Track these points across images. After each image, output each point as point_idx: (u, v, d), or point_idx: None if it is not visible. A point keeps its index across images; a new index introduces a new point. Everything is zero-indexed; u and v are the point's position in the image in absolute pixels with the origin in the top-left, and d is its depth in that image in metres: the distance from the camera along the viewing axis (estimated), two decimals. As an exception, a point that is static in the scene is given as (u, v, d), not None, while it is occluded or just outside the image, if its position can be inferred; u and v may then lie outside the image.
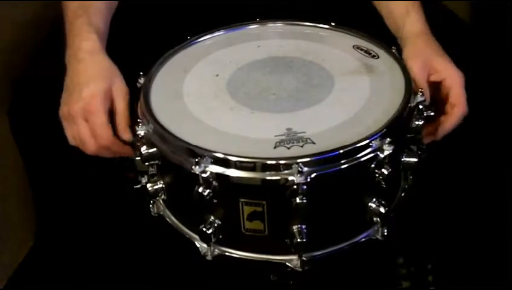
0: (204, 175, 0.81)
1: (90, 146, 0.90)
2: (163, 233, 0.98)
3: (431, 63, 0.96)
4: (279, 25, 1.14)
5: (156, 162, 0.91)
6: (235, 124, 0.89)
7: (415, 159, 0.88)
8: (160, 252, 1.18)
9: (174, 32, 1.11)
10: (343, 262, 0.96)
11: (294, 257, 0.86)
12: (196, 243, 0.91)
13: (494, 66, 1.12)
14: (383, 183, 0.83)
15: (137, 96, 0.95)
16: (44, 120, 0.97)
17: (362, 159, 0.82)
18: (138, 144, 0.91)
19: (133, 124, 0.92)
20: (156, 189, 0.93)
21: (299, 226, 0.82)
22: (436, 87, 0.95)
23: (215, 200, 0.82)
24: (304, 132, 0.85)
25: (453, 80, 0.94)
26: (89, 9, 1.00)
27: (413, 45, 1.00)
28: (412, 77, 0.94)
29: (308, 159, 0.80)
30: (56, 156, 1.08)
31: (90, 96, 0.90)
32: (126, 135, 0.92)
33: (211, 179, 0.81)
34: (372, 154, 0.82)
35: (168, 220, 0.96)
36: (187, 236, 0.93)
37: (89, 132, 0.90)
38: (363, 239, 0.89)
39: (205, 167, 0.81)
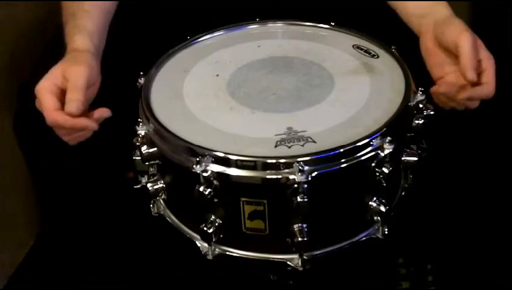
0: (205, 174, 0.81)
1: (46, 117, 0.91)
2: (163, 233, 0.98)
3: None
4: (279, 25, 1.14)
5: (156, 161, 0.91)
6: (236, 123, 0.89)
7: (415, 158, 0.89)
8: (160, 252, 1.18)
9: (174, 32, 1.11)
10: (343, 261, 0.96)
11: (295, 256, 0.86)
12: (197, 242, 0.91)
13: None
14: (384, 182, 0.84)
15: (138, 96, 0.95)
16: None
17: (363, 158, 0.82)
18: (138, 143, 0.91)
19: (133, 124, 0.92)
20: (156, 189, 0.93)
21: (299, 225, 0.83)
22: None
23: (216, 200, 0.82)
24: (305, 131, 0.85)
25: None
26: (76, 13, 1.02)
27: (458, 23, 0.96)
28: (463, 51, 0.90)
29: (309, 158, 0.80)
30: (58, 157, 1.08)
31: (43, 80, 0.91)
32: (69, 106, 0.89)
33: (211, 178, 0.81)
34: (372, 153, 0.82)
35: (168, 219, 0.96)
36: (188, 236, 0.93)
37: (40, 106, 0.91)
38: (364, 238, 0.90)
39: (206, 166, 0.81)
